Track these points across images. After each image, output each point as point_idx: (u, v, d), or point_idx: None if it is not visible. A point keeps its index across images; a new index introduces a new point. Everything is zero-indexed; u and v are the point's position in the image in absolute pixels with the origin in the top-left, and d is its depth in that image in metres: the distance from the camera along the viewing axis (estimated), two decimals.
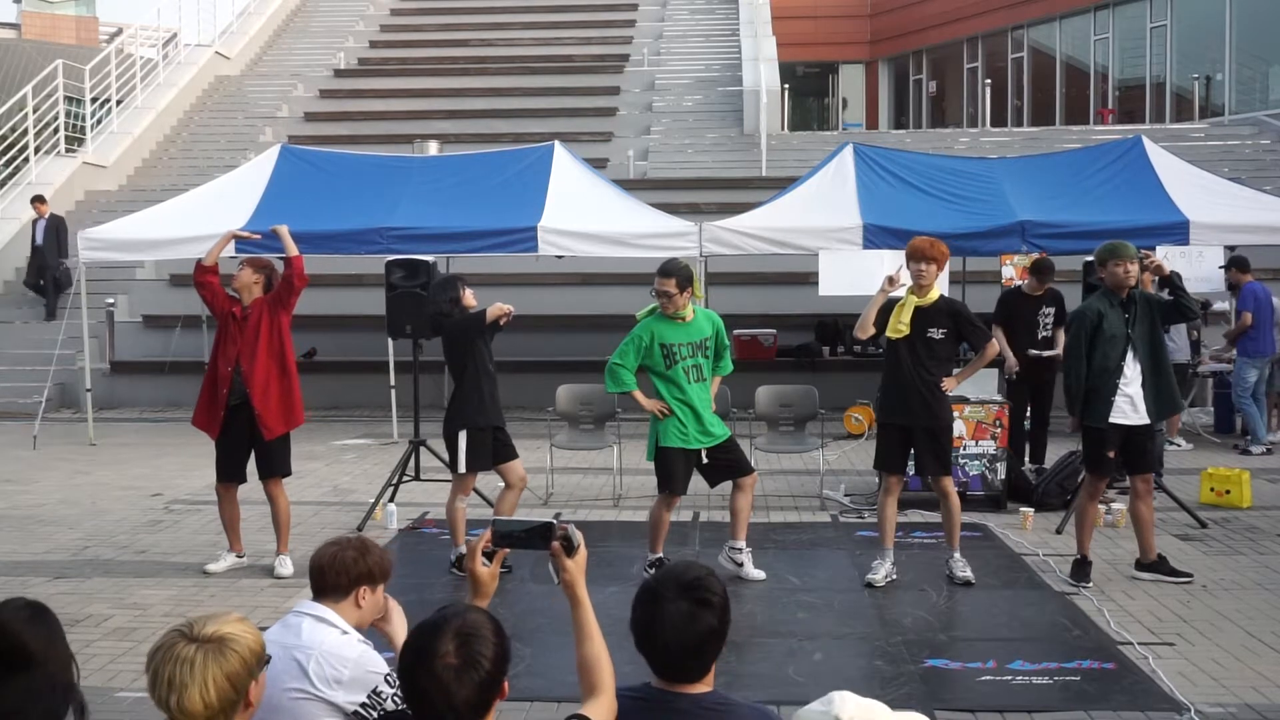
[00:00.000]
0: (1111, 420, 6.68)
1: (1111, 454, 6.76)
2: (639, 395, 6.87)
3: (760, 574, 6.95)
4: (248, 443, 7.18)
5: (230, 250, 7.73)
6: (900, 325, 6.70)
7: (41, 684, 2.76)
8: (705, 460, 6.87)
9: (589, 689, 2.68)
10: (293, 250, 7.28)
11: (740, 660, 5.57)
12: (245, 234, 7.91)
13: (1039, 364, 9.94)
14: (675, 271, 6.71)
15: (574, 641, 2.80)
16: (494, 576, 2.80)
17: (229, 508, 7.33)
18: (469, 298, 7.10)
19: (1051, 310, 10.09)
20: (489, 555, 2.83)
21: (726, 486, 7.11)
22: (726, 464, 6.91)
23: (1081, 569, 6.88)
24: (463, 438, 6.98)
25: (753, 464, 7.16)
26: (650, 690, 2.63)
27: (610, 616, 6.00)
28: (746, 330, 14.08)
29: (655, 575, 2.67)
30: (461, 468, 7.03)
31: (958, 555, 6.93)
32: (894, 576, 6.88)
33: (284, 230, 7.44)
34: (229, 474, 7.25)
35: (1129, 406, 6.68)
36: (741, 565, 6.96)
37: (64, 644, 2.83)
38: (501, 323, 6.96)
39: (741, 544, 7.00)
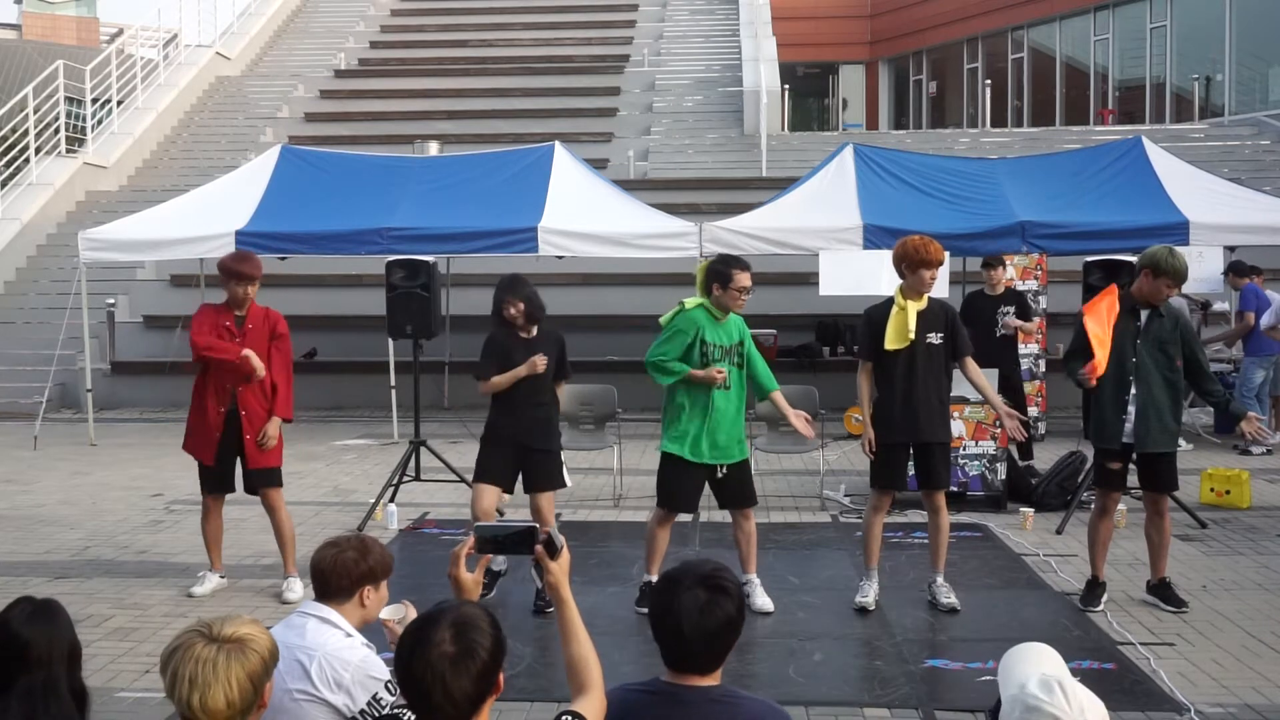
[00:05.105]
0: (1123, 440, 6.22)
1: (1115, 466, 6.29)
2: (696, 372, 6.20)
3: (769, 606, 6.44)
4: (235, 452, 6.69)
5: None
6: (908, 333, 6.26)
7: (47, 682, 2.79)
8: (721, 474, 6.31)
9: (578, 688, 2.72)
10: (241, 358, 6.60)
11: (740, 660, 5.57)
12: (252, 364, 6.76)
13: (1000, 353, 10.05)
14: (750, 266, 6.33)
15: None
16: (477, 583, 2.83)
17: (214, 522, 6.80)
18: (512, 311, 6.95)
19: (1011, 308, 10.40)
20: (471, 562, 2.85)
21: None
22: (733, 486, 6.36)
23: (1093, 592, 6.43)
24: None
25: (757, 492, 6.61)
26: (659, 684, 2.68)
27: (610, 616, 6.05)
28: None
29: (674, 568, 2.72)
30: (567, 482, 6.83)
31: (941, 580, 6.48)
32: (878, 596, 6.58)
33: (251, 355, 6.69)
34: (217, 485, 6.73)
35: (1127, 423, 6.20)
36: (748, 596, 6.39)
37: (64, 641, 2.86)
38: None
39: (750, 576, 6.49)
